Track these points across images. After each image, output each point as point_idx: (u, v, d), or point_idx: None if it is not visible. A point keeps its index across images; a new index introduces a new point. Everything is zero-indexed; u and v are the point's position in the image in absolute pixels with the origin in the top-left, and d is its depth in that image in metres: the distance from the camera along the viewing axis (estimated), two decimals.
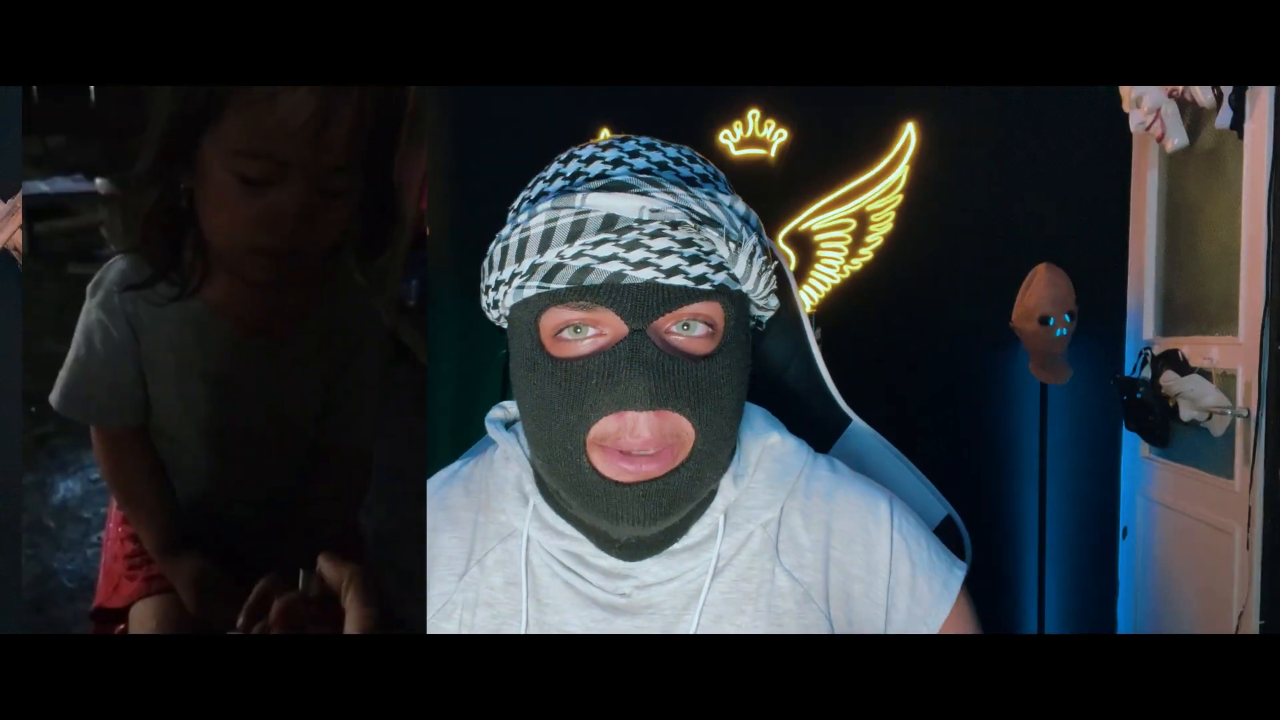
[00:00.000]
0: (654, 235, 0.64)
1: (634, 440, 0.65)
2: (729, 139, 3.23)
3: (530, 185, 0.72)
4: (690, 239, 0.65)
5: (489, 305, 0.76)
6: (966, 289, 3.05)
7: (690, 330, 0.67)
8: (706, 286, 0.66)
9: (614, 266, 0.64)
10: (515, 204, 0.72)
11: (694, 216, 0.65)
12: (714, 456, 0.69)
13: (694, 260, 0.65)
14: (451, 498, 0.80)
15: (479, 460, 0.83)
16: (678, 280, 0.65)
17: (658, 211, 0.64)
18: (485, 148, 3.33)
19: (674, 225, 0.64)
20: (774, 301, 0.77)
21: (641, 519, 0.66)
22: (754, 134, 3.22)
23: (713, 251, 0.66)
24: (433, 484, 0.83)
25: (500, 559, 0.75)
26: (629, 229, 0.64)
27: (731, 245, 0.66)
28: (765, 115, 3.20)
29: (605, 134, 3.23)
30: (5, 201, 1.34)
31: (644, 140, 0.71)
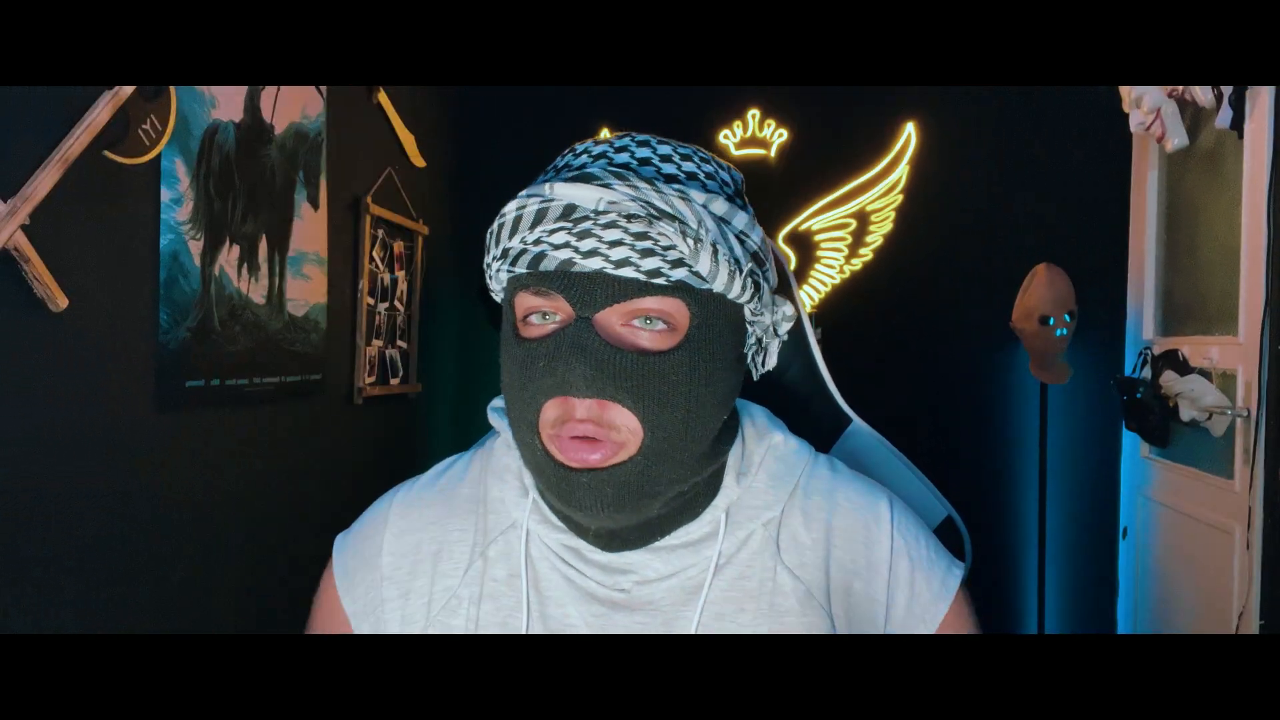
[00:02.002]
0: (606, 226, 0.65)
1: (576, 425, 0.66)
2: (729, 139, 3.23)
3: (541, 174, 0.74)
4: (645, 233, 0.65)
5: (490, 290, 0.78)
6: (966, 289, 3.05)
7: (650, 325, 0.67)
8: (661, 281, 0.66)
9: (564, 254, 0.66)
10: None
11: (651, 211, 0.65)
12: (667, 455, 0.68)
13: (647, 254, 0.65)
14: (451, 488, 0.81)
15: (481, 450, 0.83)
16: (628, 272, 0.65)
17: (614, 204, 0.65)
18: (485, 148, 3.34)
19: (629, 218, 0.65)
20: (788, 309, 0.76)
21: (590, 506, 0.67)
22: (754, 134, 3.22)
23: (670, 247, 0.66)
24: (430, 475, 0.83)
25: (502, 550, 0.76)
26: (585, 219, 0.65)
27: (691, 242, 0.65)
28: (765, 115, 3.21)
29: (605, 134, 3.23)
30: (5, 201, 1.34)
31: (640, 137, 0.72)
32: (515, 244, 0.68)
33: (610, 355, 0.65)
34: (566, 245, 0.66)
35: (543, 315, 0.68)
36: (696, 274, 0.67)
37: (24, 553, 1.43)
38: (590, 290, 0.66)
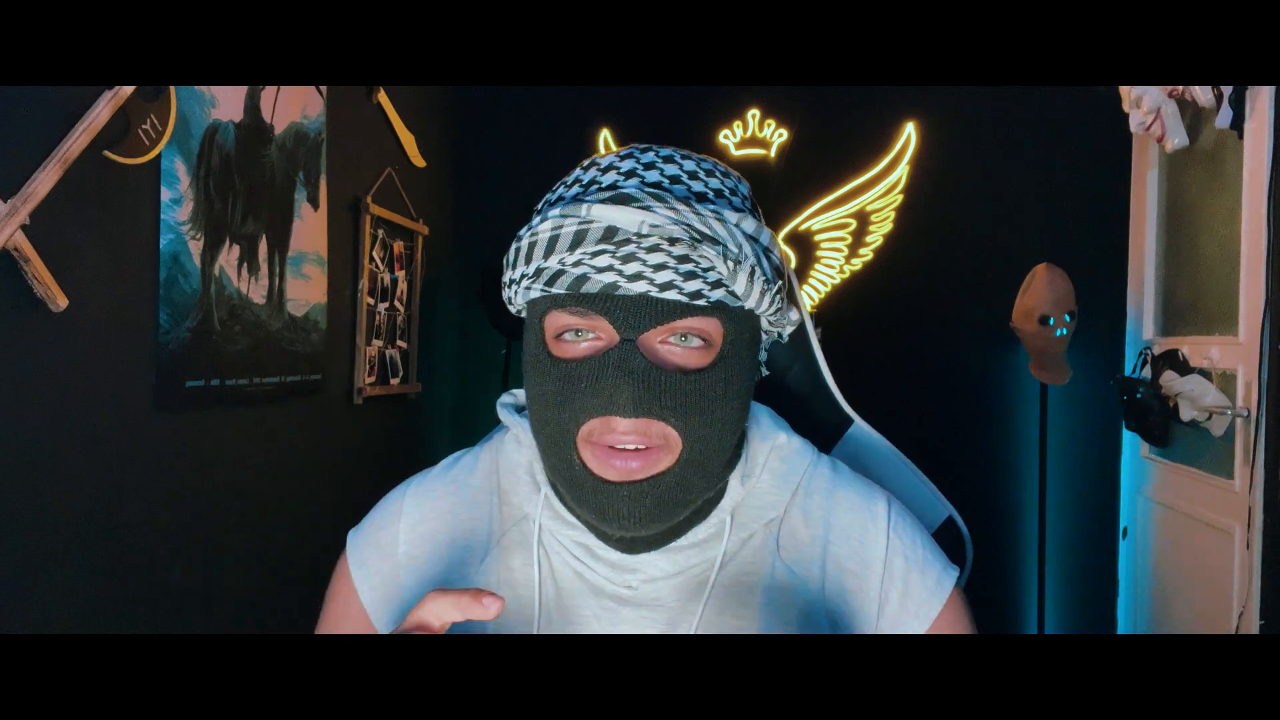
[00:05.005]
0: (650, 250, 0.65)
1: (618, 436, 0.67)
2: (729, 139, 3.23)
3: (554, 189, 0.74)
4: (687, 255, 0.66)
5: (508, 300, 0.77)
6: (966, 289, 3.05)
7: (686, 343, 0.68)
8: (702, 302, 0.67)
9: (609, 277, 0.66)
10: (539, 205, 0.74)
11: (693, 234, 0.66)
12: (703, 465, 0.70)
13: (689, 276, 0.66)
14: (462, 479, 0.82)
15: (490, 444, 0.84)
16: (671, 295, 0.66)
17: (656, 227, 0.65)
18: (485, 148, 3.34)
19: (672, 241, 0.66)
20: (793, 315, 0.78)
21: (627, 518, 0.68)
22: (754, 134, 3.22)
23: (710, 269, 0.67)
24: (441, 468, 0.84)
25: (517, 541, 0.77)
26: (627, 241, 0.66)
27: (730, 264, 0.67)
28: (765, 115, 3.21)
29: (605, 134, 3.24)
30: (5, 201, 1.34)
31: (664, 151, 0.72)
32: (553, 264, 0.68)
33: (656, 376, 0.66)
34: (610, 269, 0.66)
35: (576, 333, 0.69)
36: (732, 293, 0.68)
37: (23, 552, 1.43)
38: (635, 313, 0.66)
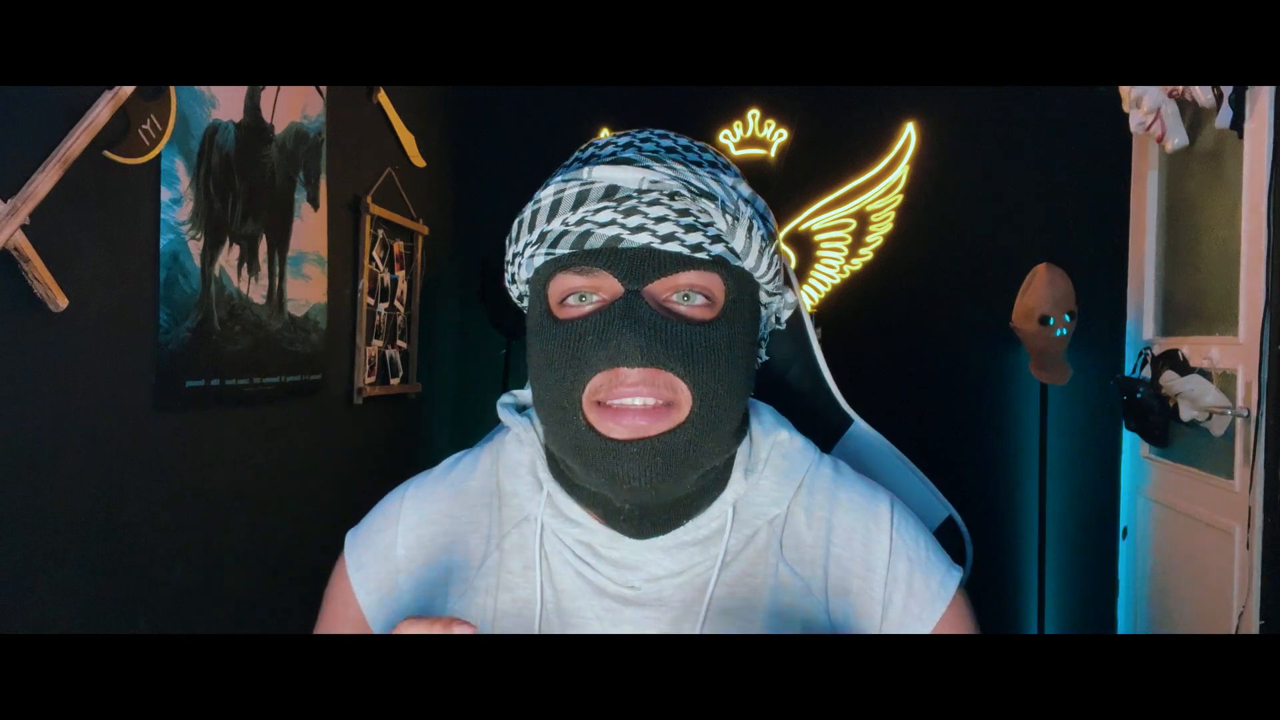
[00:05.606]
0: (651, 204, 0.67)
1: (626, 390, 0.67)
2: (729, 139, 3.23)
3: (554, 172, 0.75)
4: (687, 209, 0.68)
5: (510, 281, 0.78)
6: (966, 289, 3.05)
7: (690, 300, 0.69)
8: (703, 256, 0.69)
9: (612, 231, 0.68)
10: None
11: (691, 188, 0.68)
12: (713, 424, 0.70)
13: (690, 229, 0.68)
14: (462, 481, 0.81)
15: (490, 445, 0.84)
16: (673, 247, 0.68)
17: (656, 182, 0.67)
18: (485, 148, 3.34)
19: (672, 196, 0.68)
20: (790, 297, 0.79)
21: (638, 477, 0.68)
22: (754, 134, 3.22)
23: (710, 223, 0.69)
24: (441, 469, 0.84)
25: (517, 543, 0.77)
26: (629, 198, 0.68)
27: (729, 218, 0.68)
28: (765, 115, 3.21)
29: (605, 134, 3.24)
30: (5, 201, 1.34)
31: (658, 131, 0.75)
32: (556, 226, 0.69)
33: (662, 324, 0.67)
34: (613, 223, 0.67)
35: (580, 297, 0.70)
36: (732, 250, 0.70)
37: (23, 552, 1.43)
38: (639, 264, 0.68)
